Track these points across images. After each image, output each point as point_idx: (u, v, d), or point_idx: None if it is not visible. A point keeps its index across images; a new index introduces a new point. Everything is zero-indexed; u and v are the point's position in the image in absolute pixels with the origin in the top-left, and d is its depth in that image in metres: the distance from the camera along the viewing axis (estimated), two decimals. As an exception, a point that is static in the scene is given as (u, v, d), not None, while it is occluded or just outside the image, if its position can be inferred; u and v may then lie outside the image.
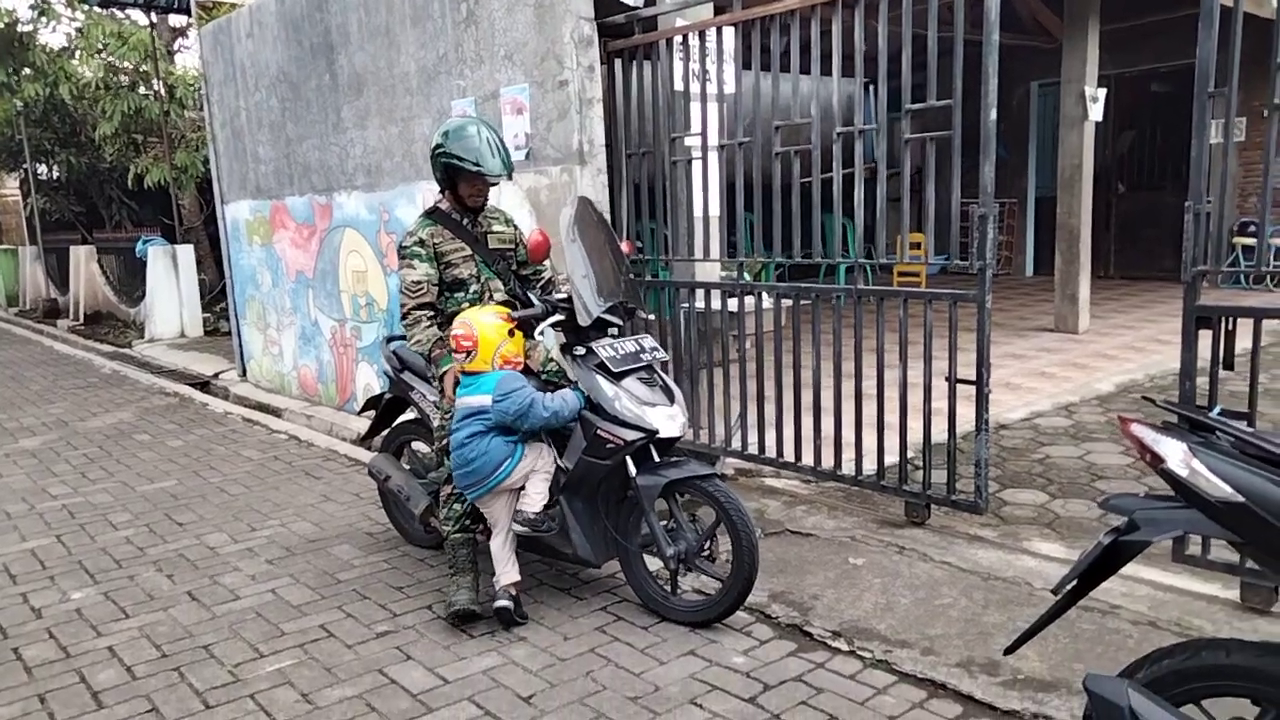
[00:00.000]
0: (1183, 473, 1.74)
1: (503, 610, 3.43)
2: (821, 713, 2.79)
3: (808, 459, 4.39)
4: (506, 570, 3.49)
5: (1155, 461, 1.79)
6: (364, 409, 4.61)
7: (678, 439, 3.46)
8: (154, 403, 8.40)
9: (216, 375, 9.31)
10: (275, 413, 7.64)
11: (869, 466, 4.18)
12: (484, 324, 3.41)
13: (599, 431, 3.34)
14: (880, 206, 3.93)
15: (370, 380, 6.75)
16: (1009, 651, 2.08)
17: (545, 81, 4.82)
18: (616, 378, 3.39)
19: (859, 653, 3.11)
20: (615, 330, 3.57)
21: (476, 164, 3.53)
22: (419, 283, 3.62)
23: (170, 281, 12.41)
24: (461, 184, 3.65)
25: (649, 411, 3.36)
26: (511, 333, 3.46)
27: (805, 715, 2.78)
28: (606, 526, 3.53)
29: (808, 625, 3.30)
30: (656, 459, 3.41)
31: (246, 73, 7.65)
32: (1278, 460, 1.68)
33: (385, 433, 4.48)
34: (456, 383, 3.49)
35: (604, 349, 3.44)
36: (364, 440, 5.33)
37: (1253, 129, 9.47)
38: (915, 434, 4.03)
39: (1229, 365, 3.00)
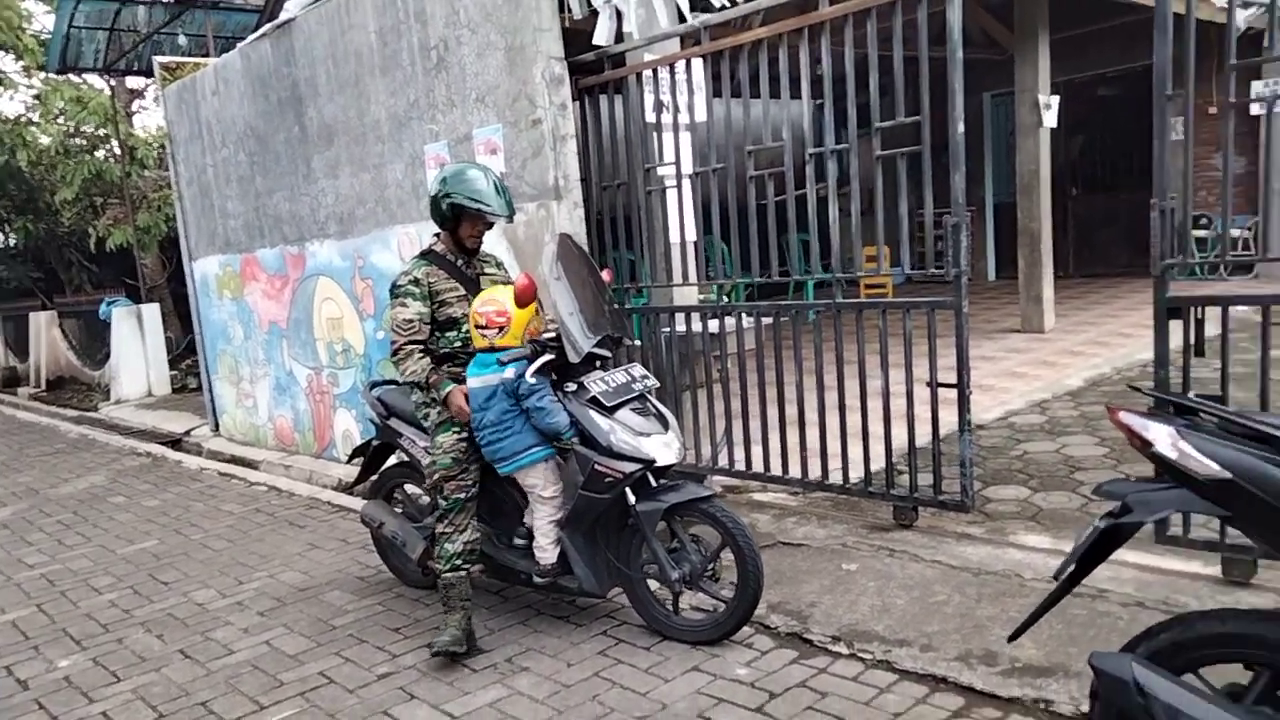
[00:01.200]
0: (1172, 454, 1.81)
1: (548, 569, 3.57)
2: (829, 715, 2.81)
3: (794, 471, 4.44)
4: (547, 553, 3.57)
5: (1144, 445, 1.86)
6: (351, 457, 4.58)
7: (674, 465, 3.49)
8: (126, 464, 8.28)
9: (188, 432, 9.20)
10: (252, 465, 7.56)
11: (855, 474, 4.24)
12: (513, 300, 3.47)
13: (597, 466, 3.35)
14: (855, 222, 4.03)
15: (349, 426, 6.71)
16: (1012, 639, 2.13)
17: (519, 121, 4.89)
18: (610, 411, 3.40)
19: (859, 655, 3.15)
20: (603, 362, 3.60)
21: (482, 204, 3.60)
22: (410, 321, 3.63)
23: (136, 341, 12.26)
24: (464, 225, 3.69)
25: (645, 442, 3.38)
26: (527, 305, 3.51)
27: (814, 720, 2.80)
28: (608, 556, 3.53)
29: (807, 632, 3.33)
30: (654, 484, 3.43)
31: (213, 130, 7.66)
32: (1261, 437, 1.75)
33: (374, 478, 4.46)
34: (466, 399, 3.51)
35: (595, 384, 3.45)
36: (352, 487, 5.30)
37: (1199, 127, 9.75)
38: (898, 440, 4.09)
39: (1200, 352, 3.10)
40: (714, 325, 4.72)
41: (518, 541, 3.74)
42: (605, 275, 3.84)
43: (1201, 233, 9.69)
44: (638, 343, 4.72)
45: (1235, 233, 9.65)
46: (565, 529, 3.52)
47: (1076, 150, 11.69)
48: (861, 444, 4.16)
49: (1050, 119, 8.10)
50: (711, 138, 4.53)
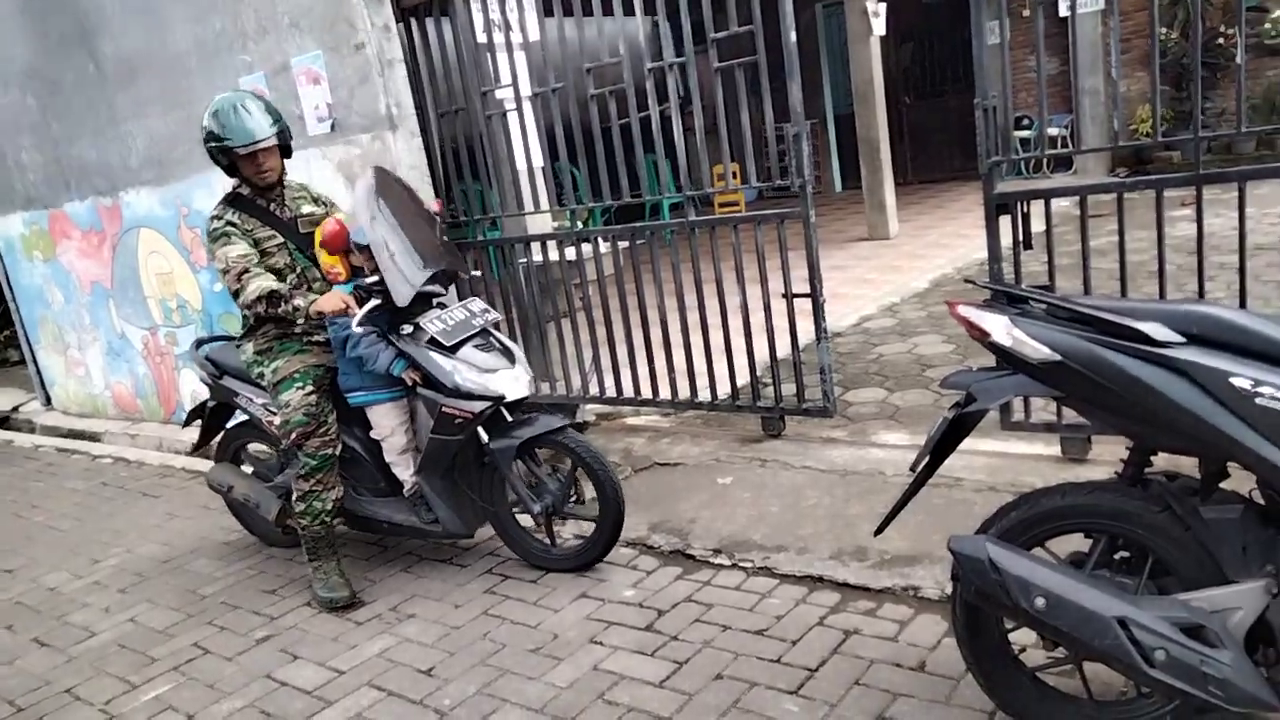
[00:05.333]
0: (1007, 342, 1.92)
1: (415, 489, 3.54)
2: (715, 625, 2.92)
3: (664, 393, 4.49)
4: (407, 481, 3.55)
5: (982, 335, 1.97)
6: (188, 420, 4.30)
7: (526, 399, 3.43)
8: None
9: (16, 408, 8.46)
10: (94, 438, 7.05)
11: (724, 391, 4.34)
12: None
13: (444, 408, 3.26)
14: (700, 139, 4.02)
15: (197, 387, 6.31)
16: (878, 532, 2.25)
17: (340, 47, 4.58)
18: (451, 350, 3.27)
19: (740, 564, 3.27)
20: (439, 300, 3.47)
21: (225, 139, 3.27)
22: (244, 255, 3.32)
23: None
24: (241, 165, 3.37)
25: (491, 379, 3.27)
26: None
27: (701, 631, 2.90)
28: (470, 496, 3.50)
29: (689, 548, 3.43)
30: (509, 418, 3.37)
31: (-12, 72, 6.84)
32: (1084, 319, 1.88)
33: (218, 439, 4.23)
34: (359, 300, 3.22)
35: (432, 323, 3.30)
36: (194, 451, 5.01)
37: (1015, 29, 10.25)
38: (761, 353, 4.21)
39: (1028, 245, 3.30)
40: (571, 253, 4.66)
41: (375, 490, 3.67)
42: (435, 206, 3.68)
43: (1024, 133, 10.24)
44: (476, 274, 4.55)
45: (1054, 131, 10.27)
46: (422, 473, 3.47)
47: (906, 58, 12.09)
48: (726, 360, 4.25)
49: (879, 27, 8.30)
50: (548, 57, 4.40)
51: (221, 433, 4.20)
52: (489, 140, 4.68)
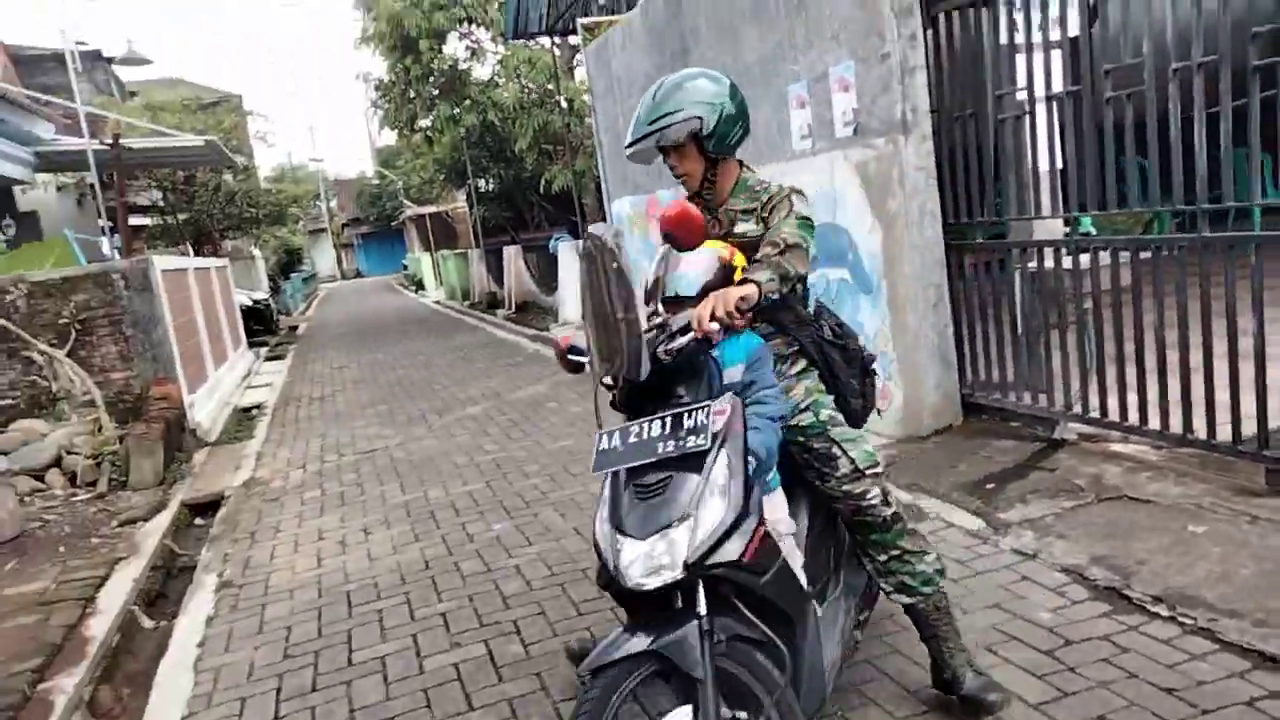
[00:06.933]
0: None
1: None
2: (1121, 670, 2.77)
3: (1155, 423, 4.10)
4: None
5: None
6: None
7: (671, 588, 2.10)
8: (563, 377, 9.91)
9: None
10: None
11: (1227, 433, 3.82)
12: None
13: None
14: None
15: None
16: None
17: (869, 57, 4.99)
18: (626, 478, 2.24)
19: (1180, 619, 2.99)
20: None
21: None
22: None
23: (577, 272, 14.29)
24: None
25: (615, 542, 2.16)
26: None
27: (1103, 671, 2.78)
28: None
29: (1127, 588, 3.22)
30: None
31: (621, 82, 8.69)
32: None
33: None
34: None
35: (610, 435, 2.27)
36: None
37: None
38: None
39: None
40: (1082, 261, 4.41)
41: None
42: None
43: None
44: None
45: None
46: None
47: None
48: (1231, 396, 3.71)
49: None
50: (1105, 47, 4.13)
51: None
52: (1008, 141, 4.65)
